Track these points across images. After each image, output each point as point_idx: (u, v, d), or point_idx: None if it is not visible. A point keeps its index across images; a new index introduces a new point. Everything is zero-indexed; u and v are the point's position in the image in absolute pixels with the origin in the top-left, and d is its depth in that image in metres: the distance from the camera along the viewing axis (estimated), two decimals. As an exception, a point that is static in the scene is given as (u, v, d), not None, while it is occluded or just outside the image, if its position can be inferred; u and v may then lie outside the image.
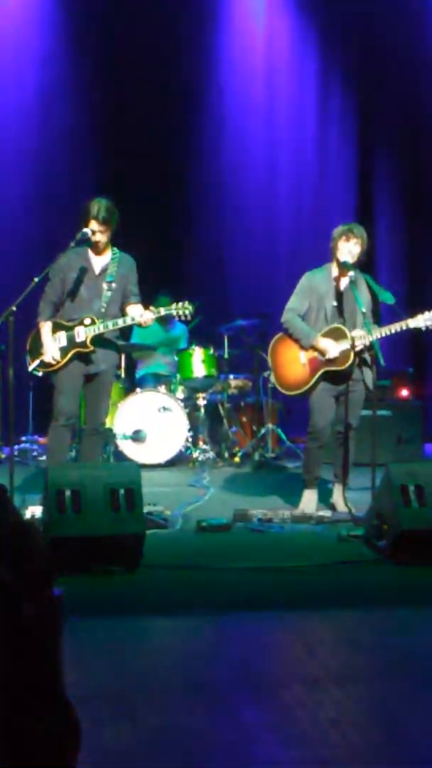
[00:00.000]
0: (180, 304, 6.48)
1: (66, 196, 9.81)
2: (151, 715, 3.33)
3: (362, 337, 6.30)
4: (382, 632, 4.52)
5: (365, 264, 6.67)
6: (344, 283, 6.49)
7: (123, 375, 9.00)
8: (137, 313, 6.41)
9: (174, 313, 6.48)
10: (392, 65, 10.95)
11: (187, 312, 6.46)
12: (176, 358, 9.23)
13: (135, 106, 10.53)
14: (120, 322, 6.41)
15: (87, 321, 6.37)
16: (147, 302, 6.54)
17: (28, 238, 9.92)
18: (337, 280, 6.52)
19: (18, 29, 10.36)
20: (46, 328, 6.43)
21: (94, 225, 6.29)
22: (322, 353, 6.44)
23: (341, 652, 4.16)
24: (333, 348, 6.41)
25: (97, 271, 6.44)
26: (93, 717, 3.16)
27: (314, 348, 6.47)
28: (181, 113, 10.73)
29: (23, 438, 9.11)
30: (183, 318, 6.54)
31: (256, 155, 10.97)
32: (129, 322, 6.45)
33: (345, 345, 6.40)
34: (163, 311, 6.46)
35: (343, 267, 6.42)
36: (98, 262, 6.46)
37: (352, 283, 6.39)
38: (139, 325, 6.53)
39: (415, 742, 3.17)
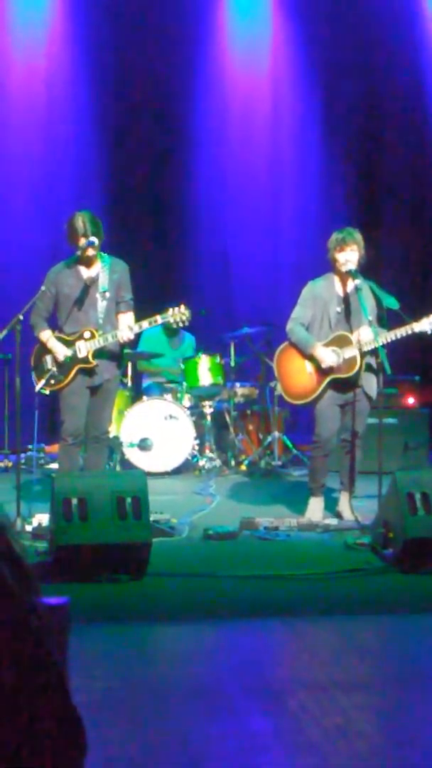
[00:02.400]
0: (176, 309, 6.44)
1: (71, 207, 9.79)
2: (157, 722, 3.34)
3: (370, 342, 6.28)
4: (388, 640, 4.53)
5: (368, 269, 6.63)
6: (349, 289, 6.48)
7: (129, 383, 9.00)
8: (122, 333, 6.29)
9: (171, 319, 6.46)
10: (393, 83, 10.99)
11: (183, 317, 6.44)
12: (182, 367, 9.23)
13: (140, 117, 10.58)
14: (112, 337, 6.32)
15: (86, 334, 6.34)
16: (155, 312, 6.48)
17: (33, 249, 9.93)
18: (341, 287, 6.52)
19: (23, 46, 10.40)
20: (47, 335, 6.43)
21: (86, 240, 6.25)
22: (319, 363, 6.44)
23: (348, 659, 4.15)
24: (329, 357, 6.38)
25: (89, 282, 6.41)
26: (99, 723, 3.16)
27: (312, 357, 6.47)
28: (186, 124, 10.76)
29: (29, 446, 9.10)
30: (181, 323, 6.52)
31: (262, 164, 10.99)
32: (113, 339, 6.28)
33: (350, 352, 6.39)
34: (159, 319, 6.43)
35: (348, 275, 6.40)
36: (89, 274, 6.42)
37: (359, 290, 6.34)
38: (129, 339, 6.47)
39: (422, 750, 3.16)
